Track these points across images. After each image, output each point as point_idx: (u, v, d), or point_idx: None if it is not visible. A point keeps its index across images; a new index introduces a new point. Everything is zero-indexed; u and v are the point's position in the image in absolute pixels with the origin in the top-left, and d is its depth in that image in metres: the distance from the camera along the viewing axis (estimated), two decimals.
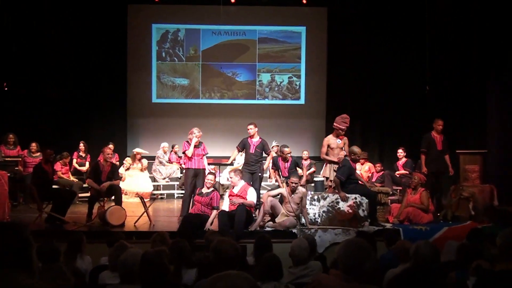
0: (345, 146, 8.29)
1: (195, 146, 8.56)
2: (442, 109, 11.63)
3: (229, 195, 7.41)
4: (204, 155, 8.65)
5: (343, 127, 8.38)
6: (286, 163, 8.46)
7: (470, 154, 9.15)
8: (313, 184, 9.22)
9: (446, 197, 8.90)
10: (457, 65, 11.66)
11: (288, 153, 8.41)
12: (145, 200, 8.94)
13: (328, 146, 8.47)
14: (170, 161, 12.07)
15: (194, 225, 6.95)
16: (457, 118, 11.60)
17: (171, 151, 12.27)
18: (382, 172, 10.88)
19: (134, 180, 11.21)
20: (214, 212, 7.42)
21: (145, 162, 11.71)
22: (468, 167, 8.96)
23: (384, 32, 12.79)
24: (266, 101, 13.76)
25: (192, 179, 8.36)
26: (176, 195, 11.81)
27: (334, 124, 8.44)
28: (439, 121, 8.88)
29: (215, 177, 7.80)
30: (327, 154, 8.31)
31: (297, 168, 8.58)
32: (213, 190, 7.49)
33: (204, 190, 7.51)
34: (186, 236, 6.46)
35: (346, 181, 7.85)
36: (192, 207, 7.54)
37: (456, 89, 11.73)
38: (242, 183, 7.54)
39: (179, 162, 11.81)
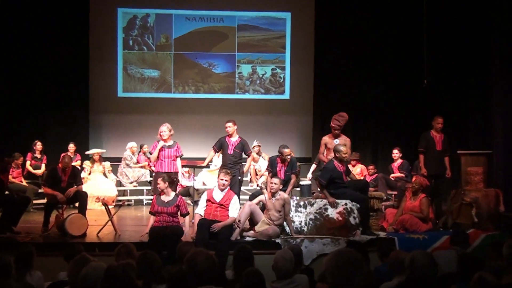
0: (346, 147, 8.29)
1: (168, 146, 8.48)
2: (441, 105, 11.76)
3: (208, 200, 7.30)
4: (178, 157, 8.56)
5: (334, 125, 8.43)
6: (283, 166, 8.43)
7: (472, 155, 9.22)
8: (298, 189, 9.25)
9: (446, 203, 8.98)
10: (459, 56, 11.80)
11: (288, 155, 8.40)
12: (110, 207, 8.85)
13: (326, 146, 8.53)
14: (138, 163, 12.00)
15: (164, 236, 6.89)
16: (459, 115, 11.75)
17: (140, 151, 12.20)
18: (376, 175, 10.96)
19: (94, 183, 11.11)
20: (187, 219, 7.37)
21: (107, 164, 11.60)
22: (471, 169, 9.04)
23: (378, 19, 12.89)
24: (247, 96, 13.75)
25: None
26: (145, 202, 11.74)
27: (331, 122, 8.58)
28: (438, 118, 8.97)
29: (164, 180, 7.59)
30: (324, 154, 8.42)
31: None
32: (176, 196, 7.40)
33: (164, 198, 7.31)
34: (155, 247, 6.44)
35: (332, 185, 7.88)
36: (156, 218, 7.38)
37: (457, 82, 11.88)
38: (226, 189, 7.44)
39: (148, 165, 11.74)
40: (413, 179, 8.62)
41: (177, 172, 8.51)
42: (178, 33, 13.48)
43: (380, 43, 12.91)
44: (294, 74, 13.70)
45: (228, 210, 7.26)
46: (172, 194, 7.39)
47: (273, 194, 7.52)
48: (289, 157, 8.37)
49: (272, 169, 8.45)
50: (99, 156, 11.46)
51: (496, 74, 10.32)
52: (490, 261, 5.06)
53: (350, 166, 9.91)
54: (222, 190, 7.30)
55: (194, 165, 9.67)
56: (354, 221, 7.80)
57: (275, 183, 7.52)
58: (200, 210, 7.28)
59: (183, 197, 11.14)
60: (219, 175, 7.40)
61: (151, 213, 7.39)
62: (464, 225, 8.43)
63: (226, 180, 7.32)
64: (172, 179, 7.84)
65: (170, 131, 8.56)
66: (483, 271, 4.02)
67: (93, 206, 10.71)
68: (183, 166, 10.08)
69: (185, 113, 13.35)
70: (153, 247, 6.29)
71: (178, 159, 8.58)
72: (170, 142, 8.59)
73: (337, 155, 7.96)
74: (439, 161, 8.85)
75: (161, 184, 7.31)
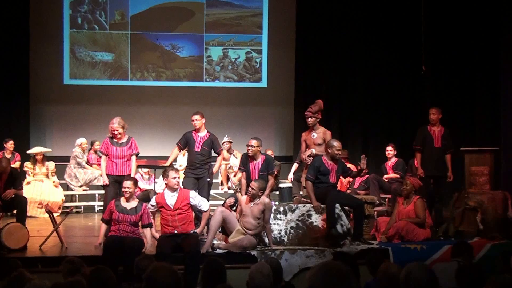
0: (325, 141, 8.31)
1: (119, 144, 8.26)
2: (442, 95, 11.90)
3: (161, 207, 7.22)
4: (132, 155, 8.41)
5: (305, 113, 8.48)
6: (256, 163, 8.34)
7: (477, 152, 9.34)
8: (277, 192, 9.27)
9: (448, 208, 9.08)
10: (461, 39, 11.92)
11: (256, 147, 8.27)
12: (55, 214, 8.76)
13: (306, 143, 8.56)
14: (89, 163, 11.89)
15: (122, 248, 6.85)
16: (462, 107, 11.89)
17: (90, 149, 12.08)
18: (367, 176, 11.00)
19: (37, 187, 10.98)
20: (149, 231, 7.32)
21: (51, 165, 11.48)
22: (475, 169, 9.15)
23: None
24: (217, 84, 13.73)
25: (114, 190, 8.13)
26: (97, 208, 11.65)
27: None
28: (431, 109, 9.00)
29: (135, 184, 7.56)
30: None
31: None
32: (140, 203, 7.34)
33: (126, 204, 7.25)
34: (111, 261, 6.40)
35: (316, 181, 7.93)
36: (112, 228, 7.32)
37: (460, 70, 12.00)
38: (177, 189, 7.39)
39: (100, 165, 11.63)
40: (405, 180, 8.65)
41: (130, 174, 8.16)
42: (136, 9, 13.40)
43: (372, 24, 13.00)
44: (272, 59, 13.72)
45: (190, 211, 7.25)
46: (136, 201, 7.34)
47: (251, 199, 7.52)
48: (252, 149, 8.23)
49: (244, 168, 8.42)
50: (42, 156, 11.33)
51: (505, 61, 10.42)
52: (497, 274, 5.13)
53: None
54: (174, 191, 7.27)
55: (155, 165, 9.64)
56: (342, 229, 7.85)
57: (253, 188, 7.51)
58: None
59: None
60: (167, 174, 7.29)
61: (104, 220, 7.33)
62: (467, 233, 8.54)
63: (178, 177, 7.37)
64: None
65: (123, 127, 8.29)
66: (489, 286, 4.08)
67: (35, 213, 10.58)
68: (142, 166, 10.03)
69: (144, 104, 13.28)
70: (108, 261, 6.25)
71: (133, 158, 8.37)
72: (124, 139, 8.36)
73: (329, 151, 7.99)
74: (438, 160, 8.85)
75: (132, 188, 7.27)
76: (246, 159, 8.39)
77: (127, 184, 7.29)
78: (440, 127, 8.97)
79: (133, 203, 7.27)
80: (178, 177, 7.37)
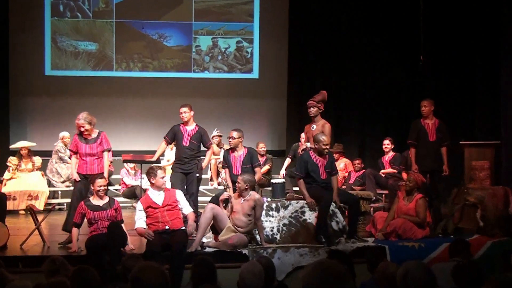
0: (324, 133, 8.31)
1: (88, 141, 7.99)
2: (441, 88, 11.92)
3: (148, 207, 7.21)
4: (104, 151, 8.09)
5: (308, 103, 8.46)
6: (237, 155, 8.36)
7: (478, 146, 9.35)
8: (270, 188, 9.28)
9: (447, 204, 9.11)
10: (461, 30, 11.92)
11: (237, 138, 8.28)
12: (37, 212, 8.73)
13: (307, 135, 8.60)
14: (71, 158, 11.85)
15: (107, 244, 6.85)
16: (461, 100, 11.91)
17: None
18: (363, 171, 11.06)
19: (23, 180, 11.05)
20: (122, 227, 7.34)
21: (38, 160, 11.46)
22: (476, 163, 9.17)
23: None
24: (206, 75, 13.71)
25: (83, 188, 7.95)
26: None
27: None
28: (423, 102, 8.97)
29: (107, 180, 7.54)
30: None
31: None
32: (111, 198, 7.41)
33: (97, 202, 7.25)
34: (94, 261, 6.39)
35: (309, 180, 7.95)
36: (91, 228, 7.30)
37: (459, 61, 12.01)
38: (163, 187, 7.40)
39: None
40: (404, 175, 8.67)
41: (102, 173, 7.91)
42: None
43: (369, 13, 13.00)
44: (264, 49, 13.70)
45: (178, 208, 7.25)
46: (106, 197, 7.41)
47: (241, 194, 7.52)
48: (233, 140, 8.23)
49: (227, 164, 8.45)
50: (27, 151, 11.31)
51: (506, 52, 10.44)
52: (498, 272, 5.16)
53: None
54: (160, 190, 7.26)
55: (141, 159, 9.62)
56: (337, 227, 7.88)
57: (238, 182, 7.52)
58: (141, 223, 7.11)
59: (127, 199, 11.16)
60: (154, 173, 7.25)
61: (75, 224, 7.31)
62: (467, 230, 8.57)
63: (165, 176, 7.39)
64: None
65: (90, 122, 7.96)
66: (487, 285, 4.09)
67: (23, 206, 10.53)
68: (128, 161, 10.02)
69: (130, 96, 13.24)
70: (92, 261, 6.24)
71: (105, 154, 8.09)
72: (94, 134, 8.06)
73: (316, 146, 7.98)
74: (433, 154, 8.84)
75: (102, 186, 7.29)
76: (228, 154, 8.41)
77: (101, 182, 7.32)
78: (434, 119, 8.94)
79: (105, 199, 7.36)
80: (165, 176, 7.39)
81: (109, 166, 11.11)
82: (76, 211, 7.39)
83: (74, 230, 7.35)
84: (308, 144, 8.45)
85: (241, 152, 8.33)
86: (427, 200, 8.40)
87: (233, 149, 8.34)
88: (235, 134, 8.32)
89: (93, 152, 7.99)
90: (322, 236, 7.71)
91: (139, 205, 7.27)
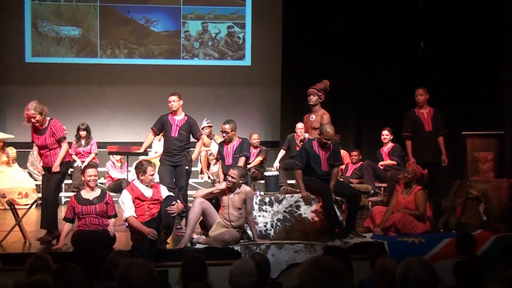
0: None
1: (39, 132, 7.70)
2: (441, 75, 11.93)
3: (136, 198, 7.23)
4: (58, 140, 7.72)
5: (309, 91, 8.45)
6: (230, 146, 8.35)
7: (481, 137, 9.36)
8: (263, 181, 9.28)
9: (448, 197, 9.13)
10: (462, 16, 11.92)
11: (231, 132, 8.27)
12: (17, 207, 8.71)
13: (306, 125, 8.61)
14: None
15: (94, 243, 6.85)
16: (463, 88, 11.93)
17: None
18: (360, 163, 11.07)
19: (9, 175, 11.14)
20: (112, 221, 7.31)
21: (12, 151, 11.41)
22: (479, 155, 9.19)
23: None
24: (196, 62, 13.69)
25: (45, 182, 7.83)
26: (63, 200, 11.61)
27: None
28: (418, 90, 8.96)
29: (96, 170, 7.48)
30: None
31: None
32: (103, 192, 7.38)
33: (87, 195, 7.23)
34: (80, 258, 6.39)
35: (305, 172, 7.96)
36: (79, 223, 7.29)
37: (460, 47, 12.03)
38: (151, 182, 7.40)
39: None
40: (407, 167, 8.67)
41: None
42: None
43: None
44: (256, 34, 13.69)
45: (161, 200, 7.29)
46: (98, 190, 7.39)
47: (231, 189, 7.53)
48: (227, 135, 8.24)
49: (220, 156, 8.46)
50: (1, 144, 11.28)
51: (508, 38, 10.47)
52: (501, 269, 5.18)
53: None
54: (148, 185, 7.28)
55: (127, 151, 9.59)
56: None
57: (233, 177, 7.49)
58: (130, 211, 7.14)
59: (113, 193, 11.13)
60: (144, 169, 7.23)
61: (66, 219, 7.29)
62: (470, 225, 8.59)
63: (155, 174, 7.45)
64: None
65: (41, 112, 7.65)
66: (490, 282, 4.11)
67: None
68: (113, 153, 10.00)
69: (116, 84, 13.22)
70: (78, 258, 6.24)
71: (64, 145, 7.76)
72: (45, 124, 7.76)
73: (320, 136, 7.96)
74: (431, 145, 8.85)
75: (92, 176, 7.29)
76: (222, 146, 8.43)
77: (91, 172, 7.32)
78: (429, 108, 8.93)
79: (96, 192, 7.33)
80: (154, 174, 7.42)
81: (94, 158, 11.18)
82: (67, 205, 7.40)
83: (66, 225, 7.30)
84: (307, 135, 8.44)
85: (234, 143, 8.36)
86: (427, 193, 8.42)
87: (227, 141, 8.34)
88: (227, 127, 8.27)
89: (45, 144, 7.69)
90: (337, 229, 7.75)
91: (126, 195, 7.22)
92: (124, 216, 7.16)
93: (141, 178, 7.24)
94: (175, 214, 7.15)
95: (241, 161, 8.17)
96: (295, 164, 8.02)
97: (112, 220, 7.33)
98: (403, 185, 8.40)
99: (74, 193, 7.51)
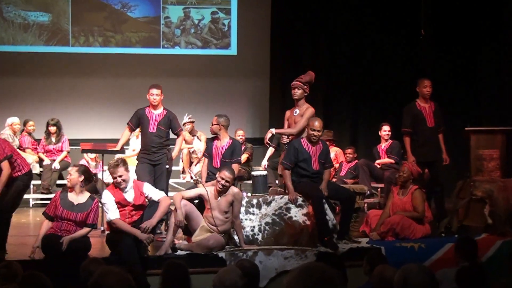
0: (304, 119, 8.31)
1: None
2: (443, 65, 11.97)
3: (116, 202, 7.19)
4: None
5: (293, 84, 8.44)
6: (220, 146, 8.30)
7: (486, 132, 9.39)
8: (250, 182, 9.28)
9: (450, 199, 9.17)
10: (465, 1, 11.96)
11: (216, 125, 8.23)
12: None
13: (288, 121, 8.57)
14: (21, 148, 11.76)
15: (65, 250, 6.83)
16: (467, 79, 11.98)
17: (23, 130, 11.96)
18: (355, 161, 11.08)
19: None
20: (86, 230, 7.20)
21: None
22: (484, 152, 9.21)
23: None
24: (177, 51, 13.67)
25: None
26: (31, 202, 11.57)
27: None
28: (425, 81, 8.93)
29: (83, 173, 7.29)
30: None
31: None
32: (91, 199, 7.25)
33: (73, 198, 7.11)
34: (50, 265, 6.38)
35: (293, 171, 7.98)
36: (53, 224, 7.21)
37: (464, 35, 12.06)
38: (131, 183, 7.35)
39: (35, 150, 11.52)
40: (402, 166, 8.66)
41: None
42: None
43: None
44: (243, 21, 13.68)
45: (145, 205, 7.25)
46: (87, 195, 7.25)
47: (220, 193, 7.51)
48: (212, 125, 8.21)
49: (208, 154, 8.44)
50: None
51: None
52: (508, 276, 5.22)
53: None
54: (126, 187, 7.22)
55: (103, 149, 9.56)
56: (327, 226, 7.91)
57: (227, 180, 7.42)
58: (115, 212, 7.11)
59: None
60: (110, 172, 7.23)
61: (47, 215, 7.23)
62: (474, 229, 8.64)
63: (128, 174, 7.27)
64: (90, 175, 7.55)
65: None
66: None
67: None
68: (87, 151, 9.98)
69: (89, 75, 13.17)
70: (48, 265, 6.22)
71: (5, 167, 7.23)
72: None
73: (307, 130, 7.99)
74: (432, 142, 8.87)
75: (74, 177, 7.14)
76: (211, 143, 8.38)
77: (70, 172, 7.26)
78: (430, 102, 8.94)
79: (83, 197, 7.19)
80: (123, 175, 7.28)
81: (66, 156, 11.14)
82: None
83: (44, 223, 7.21)
84: (273, 130, 8.42)
85: (224, 143, 8.26)
86: (425, 192, 8.45)
87: (217, 137, 8.29)
88: (217, 119, 8.23)
89: None
90: (329, 239, 7.74)
91: (108, 195, 7.17)
92: (108, 218, 7.13)
93: (115, 182, 7.20)
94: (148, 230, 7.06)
95: (236, 169, 8.10)
96: (283, 163, 8.03)
97: (87, 229, 7.17)
98: (399, 186, 8.43)
99: (60, 191, 7.34)
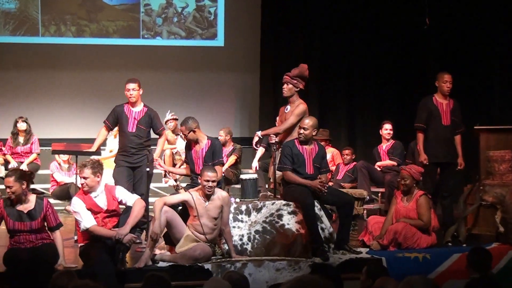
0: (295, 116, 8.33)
1: None
2: (451, 58, 12.01)
3: (88, 209, 7.17)
4: None
5: (283, 79, 8.47)
6: (199, 150, 8.29)
7: (497, 132, 9.42)
8: (238, 186, 9.29)
9: (458, 205, 9.19)
10: None
11: (190, 133, 8.19)
12: None
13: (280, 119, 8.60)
14: None
15: (30, 263, 6.82)
16: (476, 74, 12.03)
17: None
18: (354, 163, 11.10)
19: None
20: (58, 235, 7.21)
21: None
22: (494, 153, 9.22)
23: None
24: (158, 41, 13.67)
25: None
26: None
27: None
28: (445, 75, 8.91)
29: (19, 179, 7.05)
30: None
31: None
32: (39, 201, 7.19)
33: (20, 207, 6.99)
34: (13, 280, 6.39)
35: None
36: (11, 240, 7.18)
37: (474, 27, 12.11)
38: (101, 188, 7.33)
39: (1, 151, 11.48)
40: (401, 170, 8.64)
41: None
42: None
43: None
44: (231, 9, 13.71)
45: (118, 211, 7.26)
46: (33, 198, 7.12)
47: (208, 196, 7.52)
48: (185, 137, 8.20)
49: (188, 160, 8.42)
50: None
51: None
52: None
53: None
54: (93, 192, 7.22)
55: (77, 150, 9.56)
56: (323, 234, 7.93)
57: (213, 180, 7.44)
58: (90, 219, 7.04)
59: (59, 201, 11.09)
60: (80, 170, 7.18)
61: None
62: (484, 237, 8.67)
63: (101, 177, 7.24)
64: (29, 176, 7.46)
65: None
66: None
67: None
68: (59, 152, 9.96)
69: (62, 68, 13.17)
70: (15, 281, 6.22)
71: None
72: None
73: (301, 133, 8.01)
74: (446, 141, 8.87)
75: (16, 188, 6.92)
76: (188, 148, 8.35)
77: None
78: (449, 99, 8.93)
79: (31, 203, 7.06)
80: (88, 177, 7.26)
81: (35, 159, 11.11)
82: None
83: None
84: (259, 133, 8.45)
85: (203, 145, 8.23)
86: (431, 199, 8.46)
87: (195, 141, 8.27)
88: (183, 128, 8.21)
89: None
90: (318, 248, 7.76)
91: (78, 202, 7.11)
92: (84, 226, 7.04)
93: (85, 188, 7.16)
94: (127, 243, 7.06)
95: (219, 171, 8.09)
96: (282, 168, 8.02)
97: (58, 232, 7.15)
98: (402, 191, 8.44)
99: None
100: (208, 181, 7.41)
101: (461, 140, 8.97)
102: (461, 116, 8.99)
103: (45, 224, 7.13)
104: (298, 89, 8.46)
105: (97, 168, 7.17)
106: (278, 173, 8.25)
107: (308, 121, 8.01)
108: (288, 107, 8.45)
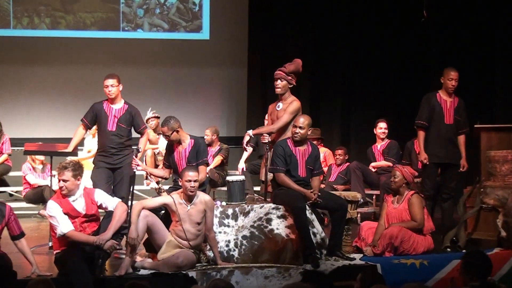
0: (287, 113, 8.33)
1: None
2: (450, 53, 12.05)
3: (64, 214, 7.16)
4: None
5: (275, 74, 8.44)
6: (181, 150, 8.26)
7: (499, 131, 9.46)
8: (224, 188, 9.29)
9: (457, 208, 9.22)
10: None
11: (173, 133, 8.16)
12: None
13: (270, 117, 8.58)
14: None
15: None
16: (477, 70, 12.07)
17: None
18: (347, 164, 11.12)
19: None
20: (24, 243, 7.13)
21: None
22: (496, 154, 9.25)
23: None
24: (140, 34, 13.67)
25: None
26: None
27: None
28: (451, 72, 8.93)
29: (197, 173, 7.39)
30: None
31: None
32: (2, 205, 7.15)
33: None
34: None
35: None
36: None
37: (474, 20, 12.15)
38: (80, 191, 7.31)
39: None
40: (394, 170, 8.66)
41: None
42: None
43: None
44: (217, 0, 13.70)
45: (97, 215, 7.24)
46: None
47: (190, 198, 7.51)
48: (167, 138, 8.16)
49: (168, 162, 8.41)
50: None
51: None
52: None
53: None
54: (72, 196, 7.21)
55: (51, 150, 9.54)
56: (314, 239, 7.95)
57: (195, 180, 7.43)
58: (67, 224, 6.99)
59: (32, 205, 11.07)
60: (60, 172, 7.12)
61: None
62: (484, 242, 8.71)
63: (80, 179, 7.20)
64: None
65: None
66: None
67: None
68: (32, 152, 9.95)
69: (35, 63, 13.16)
70: None
71: None
72: None
73: (296, 131, 8.00)
74: (448, 141, 8.90)
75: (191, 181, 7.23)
76: (171, 150, 8.31)
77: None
78: (454, 97, 8.97)
79: None
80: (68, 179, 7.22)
81: (6, 160, 11.06)
82: None
83: None
84: (251, 132, 8.43)
85: (186, 145, 8.20)
86: (423, 197, 8.48)
87: (177, 142, 8.26)
88: (164, 129, 8.14)
89: None
90: (310, 254, 7.77)
91: (54, 206, 7.06)
92: (60, 232, 6.97)
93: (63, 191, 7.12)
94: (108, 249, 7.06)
95: (203, 172, 8.09)
96: (274, 169, 8.02)
97: (23, 240, 7.09)
98: (393, 193, 8.47)
99: None
100: (189, 181, 7.38)
101: (465, 141, 8.99)
102: (465, 115, 9.02)
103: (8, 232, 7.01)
104: (292, 85, 8.46)
105: (78, 170, 7.13)
106: (270, 175, 8.26)
107: (304, 120, 7.99)
108: (280, 104, 8.39)
